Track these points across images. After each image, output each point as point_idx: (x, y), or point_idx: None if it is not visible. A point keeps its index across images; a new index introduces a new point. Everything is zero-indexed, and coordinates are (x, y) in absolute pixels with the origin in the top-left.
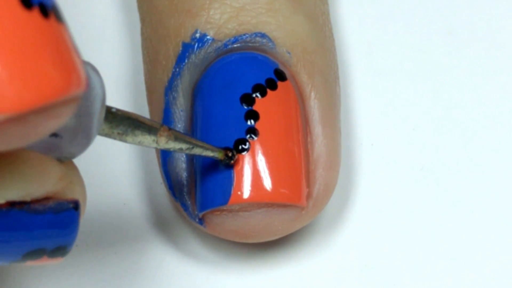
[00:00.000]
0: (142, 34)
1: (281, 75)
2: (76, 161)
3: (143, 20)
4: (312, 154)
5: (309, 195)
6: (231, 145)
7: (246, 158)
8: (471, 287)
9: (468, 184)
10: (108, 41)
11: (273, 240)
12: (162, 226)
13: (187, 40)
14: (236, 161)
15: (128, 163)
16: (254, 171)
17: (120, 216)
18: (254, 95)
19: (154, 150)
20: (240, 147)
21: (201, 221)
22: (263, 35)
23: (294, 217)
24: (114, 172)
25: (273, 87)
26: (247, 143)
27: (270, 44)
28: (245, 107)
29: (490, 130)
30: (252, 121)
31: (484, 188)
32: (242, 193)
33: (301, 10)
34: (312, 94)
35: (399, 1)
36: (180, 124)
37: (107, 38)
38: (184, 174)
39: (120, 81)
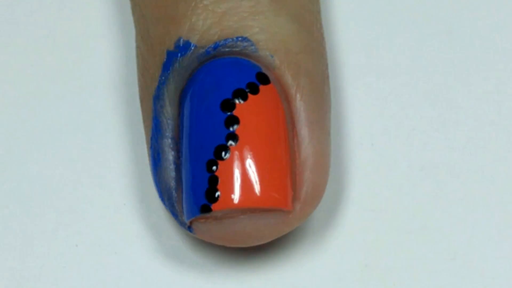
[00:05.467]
0: (135, 42)
1: (263, 78)
2: (76, 161)
3: (135, 28)
4: (299, 157)
5: (296, 198)
6: (211, 151)
7: (227, 165)
8: (471, 287)
9: (468, 184)
10: (107, 45)
11: (273, 241)
12: (162, 226)
13: (171, 48)
14: (218, 168)
15: (128, 163)
16: (236, 177)
17: (120, 216)
18: (234, 100)
19: None
20: (221, 153)
21: (190, 228)
22: (244, 39)
23: (280, 221)
24: (114, 172)
25: (255, 91)
26: (228, 150)
27: (252, 47)
28: (225, 113)
29: (490, 130)
30: (232, 127)
31: (484, 188)
32: (225, 200)
33: (285, 11)
34: (298, 95)
35: (399, 1)
36: (168, 133)
37: (106, 42)
38: (172, 182)
39: (125, 80)
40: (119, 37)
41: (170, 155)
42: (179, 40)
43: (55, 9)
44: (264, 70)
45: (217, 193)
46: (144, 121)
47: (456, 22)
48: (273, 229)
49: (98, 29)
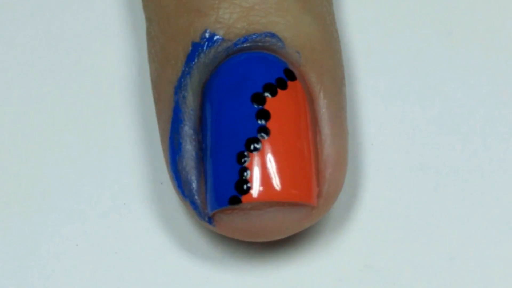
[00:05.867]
0: (149, 33)
1: (290, 75)
2: (76, 161)
3: (149, 19)
4: (321, 154)
5: (319, 194)
6: (242, 144)
7: (258, 157)
8: (471, 287)
9: (468, 184)
10: (111, 40)
11: (273, 241)
12: (161, 226)
13: (197, 39)
14: (249, 160)
15: (128, 163)
16: (267, 170)
17: (120, 216)
18: (265, 94)
19: (153, 150)
20: (251, 146)
21: (211, 219)
22: (272, 35)
23: (304, 216)
24: (114, 172)
25: (283, 86)
26: (259, 142)
27: (279, 43)
28: (256, 106)
29: (490, 130)
30: (263, 120)
31: (484, 188)
32: (255, 192)
33: (309, 10)
34: (321, 94)
35: (398, 1)
36: (189, 123)
37: (111, 37)
38: (194, 172)
39: (124, 80)
40: (123, 35)
41: (191, 145)
42: (205, 31)
43: (58, 8)
44: (290, 66)
45: (248, 185)
46: (162, 112)
47: (456, 22)
48: (296, 224)
49: (101, 27)
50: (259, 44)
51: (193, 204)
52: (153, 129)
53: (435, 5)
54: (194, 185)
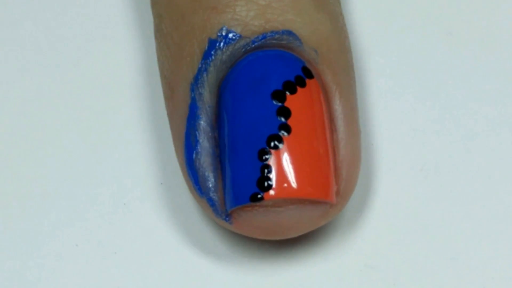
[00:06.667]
0: (159, 30)
1: (308, 73)
2: (76, 161)
3: (159, 16)
4: (338, 153)
5: (337, 192)
6: (263, 141)
7: (280, 154)
8: (471, 287)
9: (468, 184)
10: (112, 39)
11: (273, 241)
12: (161, 226)
13: (214, 36)
14: (272, 157)
15: (128, 163)
16: (289, 167)
17: (120, 216)
18: (285, 92)
19: (153, 150)
20: (272, 143)
21: (228, 217)
22: (290, 33)
23: (322, 213)
24: (114, 172)
25: (302, 84)
26: (281, 139)
27: (297, 42)
28: (277, 104)
29: (490, 130)
30: (284, 118)
31: (484, 188)
32: (277, 189)
33: (324, 9)
34: (337, 93)
35: (398, 1)
36: (207, 119)
37: (111, 36)
38: (211, 169)
39: (126, 79)
40: (128, 31)
41: (208, 142)
42: (222, 28)
43: (61, 5)
44: (307, 64)
45: (270, 182)
46: (176, 108)
47: (456, 22)
48: (313, 222)
49: (106, 24)
50: (277, 42)
51: (210, 201)
52: (154, 129)
53: (435, 5)
54: (211, 182)
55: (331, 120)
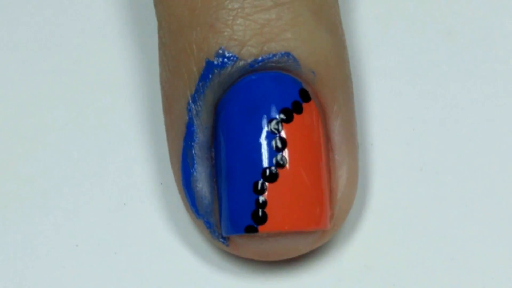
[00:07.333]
0: (160, 37)
1: (305, 95)
2: (76, 161)
3: (160, 23)
4: (334, 173)
5: (330, 217)
6: (259, 172)
7: (275, 187)
8: (471, 287)
9: (468, 184)
10: (112, 39)
11: None
12: (161, 226)
13: (211, 58)
14: (267, 190)
15: (128, 163)
16: (283, 200)
17: (120, 216)
18: (281, 121)
19: (153, 151)
20: (268, 175)
21: (225, 240)
22: (288, 55)
23: (317, 238)
24: (114, 172)
25: (299, 110)
26: (276, 172)
27: (295, 64)
28: (273, 134)
29: (490, 130)
30: (280, 149)
31: (484, 188)
32: (272, 222)
33: (324, 24)
34: (335, 110)
35: (398, 1)
36: (204, 140)
37: (112, 36)
38: (208, 190)
39: (126, 79)
40: (130, 33)
41: (205, 164)
42: (219, 49)
43: (61, 7)
44: (304, 86)
45: (265, 215)
46: (173, 124)
47: (456, 22)
48: (310, 246)
49: (107, 26)
50: (274, 64)
51: (207, 223)
52: (154, 129)
53: (435, 5)
54: (208, 204)
55: (328, 139)
